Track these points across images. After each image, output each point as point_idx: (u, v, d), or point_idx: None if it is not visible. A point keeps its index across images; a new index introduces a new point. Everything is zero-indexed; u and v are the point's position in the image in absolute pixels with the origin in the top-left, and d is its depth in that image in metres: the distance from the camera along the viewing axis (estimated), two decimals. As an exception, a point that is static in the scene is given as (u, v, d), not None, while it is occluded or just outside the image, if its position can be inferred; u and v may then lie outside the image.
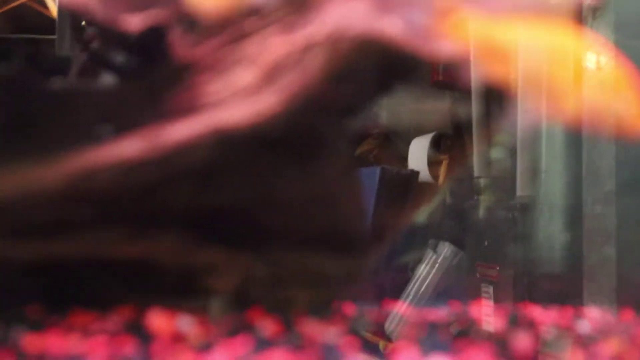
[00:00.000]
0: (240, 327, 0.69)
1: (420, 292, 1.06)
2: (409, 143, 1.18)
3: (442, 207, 0.96)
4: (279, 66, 0.72)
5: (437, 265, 1.06)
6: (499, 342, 0.69)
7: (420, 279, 1.07)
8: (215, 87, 0.72)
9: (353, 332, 0.68)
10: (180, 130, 0.69)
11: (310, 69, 0.71)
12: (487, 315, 0.93)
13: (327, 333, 0.66)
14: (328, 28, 0.70)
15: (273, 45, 0.73)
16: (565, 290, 1.00)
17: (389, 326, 1.04)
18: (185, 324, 0.68)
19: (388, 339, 1.07)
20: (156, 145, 0.68)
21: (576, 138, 0.96)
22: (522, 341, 0.65)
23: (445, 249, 1.03)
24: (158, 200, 0.70)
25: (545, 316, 0.85)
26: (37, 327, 0.66)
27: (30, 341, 0.61)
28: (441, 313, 0.91)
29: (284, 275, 0.74)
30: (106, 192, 0.68)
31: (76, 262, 0.71)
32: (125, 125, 0.69)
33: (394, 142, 1.20)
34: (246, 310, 0.72)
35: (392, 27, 0.68)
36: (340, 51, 0.70)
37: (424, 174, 1.14)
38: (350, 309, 0.81)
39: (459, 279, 1.07)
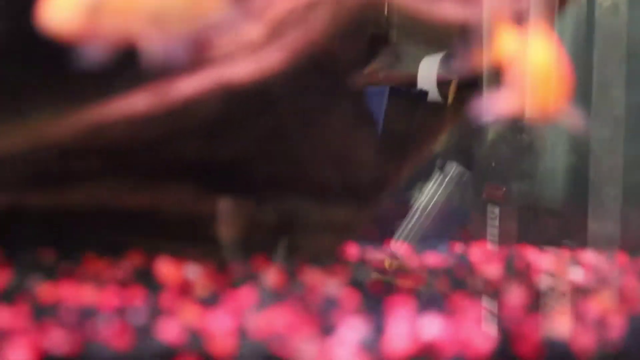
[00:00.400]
0: (245, 276, 0.72)
1: (426, 211, 1.08)
2: (418, 62, 1.18)
3: (450, 127, 0.97)
4: (283, 22, 0.73)
5: (443, 185, 1.07)
6: (495, 292, 0.71)
7: (426, 198, 1.08)
8: (221, 41, 0.73)
9: (355, 281, 0.71)
10: (187, 86, 0.71)
11: (314, 26, 0.72)
12: (492, 236, 0.95)
13: (328, 284, 0.68)
14: None
15: (278, 1, 0.74)
16: (569, 220, 1.02)
17: (394, 243, 1.06)
18: (193, 272, 0.71)
19: (394, 257, 1.09)
20: (164, 101, 0.70)
21: (587, 77, 0.96)
22: (517, 295, 0.68)
23: (453, 168, 1.04)
24: (166, 153, 0.72)
25: (542, 260, 0.87)
26: (51, 275, 0.69)
27: (44, 290, 0.64)
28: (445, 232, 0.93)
29: (288, 223, 0.76)
30: (115, 145, 0.70)
31: (87, 210, 0.74)
32: (133, 79, 0.71)
33: (403, 62, 1.20)
34: (251, 258, 0.75)
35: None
36: (344, 9, 0.71)
37: (433, 94, 1.15)
38: (353, 253, 0.84)
39: (465, 199, 1.09)
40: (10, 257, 0.72)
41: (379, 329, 0.55)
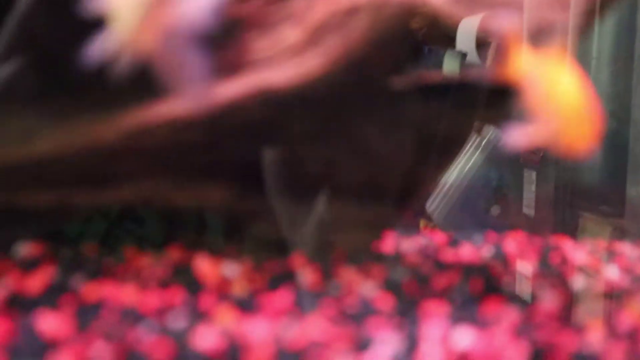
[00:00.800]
0: (282, 275, 0.73)
1: (463, 174, 1.07)
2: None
3: (488, 89, 0.96)
4: (323, 27, 0.73)
5: (480, 148, 1.07)
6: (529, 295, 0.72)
7: (462, 161, 1.08)
8: (262, 45, 0.74)
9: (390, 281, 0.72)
10: (228, 90, 0.72)
11: (354, 33, 0.72)
12: (528, 202, 0.94)
13: (364, 285, 0.70)
14: None
15: (318, 6, 0.74)
16: (607, 187, 1.02)
17: (430, 206, 1.07)
18: (231, 270, 0.73)
19: (429, 218, 1.10)
20: (205, 104, 0.71)
21: (630, 27, 0.95)
22: (551, 299, 0.68)
23: (490, 131, 1.04)
24: (207, 155, 0.74)
25: (577, 254, 0.87)
26: (95, 272, 0.71)
27: (88, 289, 0.66)
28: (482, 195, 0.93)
29: (325, 221, 0.78)
30: (158, 146, 0.72)
31: (131, 208, 0.76)
32: (176, 83, 0.72)
33: (443, 22, 1.19)
34: (288, 257, 0.77)
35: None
36: (383, 16, 0.72)
37: (472, 56, 1.14)
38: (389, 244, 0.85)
39: (501, 163, 1.08)
40: (55, 253, 0.74)
41: (412, 339, 0.56)
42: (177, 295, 0.67)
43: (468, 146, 1.08)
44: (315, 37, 0.73)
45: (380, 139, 0.75)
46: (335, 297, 0.68)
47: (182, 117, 0.71)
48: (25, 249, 0.74)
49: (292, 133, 0.73)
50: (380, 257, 0.82)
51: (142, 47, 0.66)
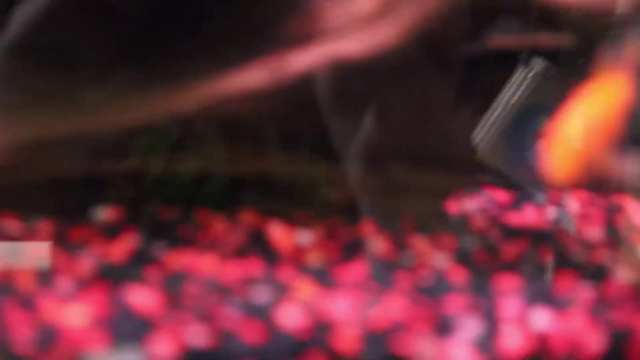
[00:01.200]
0: (354, 243, 0.75)
1: (509, 107, 1.07)
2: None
3: (538, 17, 0.95)
4: None
5: (527, 80, 1.06)
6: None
7: (509, 93, 1.07)
8: (334, 13, 0.75)
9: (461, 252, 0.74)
10: (300, 60, 0.73)
11: (427, 3, 0.72)
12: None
13: (436, 257, 0.71)
14: None
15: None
16: None
17: (477, 137, 1.06)
18: (305, 238, 0.75)
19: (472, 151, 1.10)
20: (278, 74, 0.73)
21: None
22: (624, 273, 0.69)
23: (538, 63, 1.03)
24: (278, 124, 0.76)
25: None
26: (174, 240, 0.74)
27: (170, 259, 0.69)
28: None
29: (394, 187, 0.79)
30: (231, 116, 0.74)
31: (205, 174, 0.79)
32: (250, 52, 0.73)
33: None
34: (357, 223, 0.79)
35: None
36: None
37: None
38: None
39: (549, 96, 1.07)
40: (134, 218, 0.77)
41: (490, 320, 0.58)
42: (256, 266, 0.69)
43: (517, 76, 1.07)
44: (387, 6, 0.73)
45: (447, 108, 0.76)
46: (408, 269, 0.70)
47: (254, 87, 0.72)
48: (105, 213, 0.77)
49: (362, 103, 0.74)
50: (447, 221, 0.83)
51: None
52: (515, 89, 1.01)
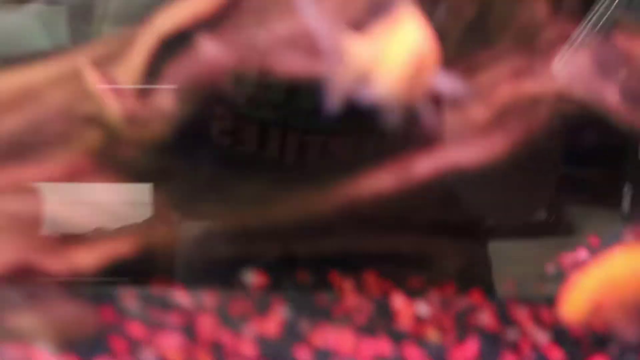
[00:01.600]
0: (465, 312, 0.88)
1: (593, 33, 1.08)
2: None
3: None
4: (508, 109, 0.85)
5: (613, 5, 1.07)
6: None
7: (594, 18, 1.07)
8: (451, 120, 0.87)
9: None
10: (424, 165, 0.86)
11: (535, 119, 0.84)
12: None
13: (537, 332, 0.84)
14: (557, 85, 0.82)
15: (502, 86, 0.85)
16: None
17: (557, 64, 1.08)
18: (424, 311, 0.89)
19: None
20: (404, 178, 0.86)
21: None
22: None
23: None
24: (402, 218, 0.90)
25: None
26: (314, 312, 0.88)
27: (316, 335, 0.83)
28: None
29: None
30: (364, 215, 0.88)
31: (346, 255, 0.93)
32: (381, 158, 0.87)
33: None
34: (469, 294, 0.92)
35: (612, 95, 0.79)
36: (563, 110, 0.83)
37: None
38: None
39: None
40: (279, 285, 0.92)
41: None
42: (386, 345, 0.83)
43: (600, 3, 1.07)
44: (500, 117, 0.85)
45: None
46: (513, 347, 0.83)
47: (385, 190, 0.85)
48: (253, 277, 0.92)
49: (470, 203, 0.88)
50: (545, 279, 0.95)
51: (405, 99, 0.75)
52: (599, 15, 1.00)
